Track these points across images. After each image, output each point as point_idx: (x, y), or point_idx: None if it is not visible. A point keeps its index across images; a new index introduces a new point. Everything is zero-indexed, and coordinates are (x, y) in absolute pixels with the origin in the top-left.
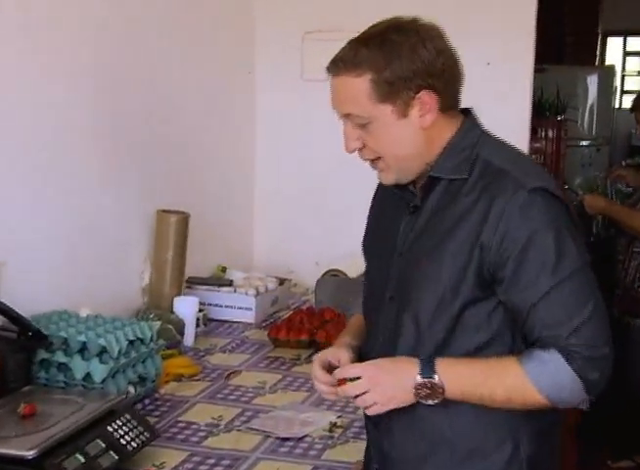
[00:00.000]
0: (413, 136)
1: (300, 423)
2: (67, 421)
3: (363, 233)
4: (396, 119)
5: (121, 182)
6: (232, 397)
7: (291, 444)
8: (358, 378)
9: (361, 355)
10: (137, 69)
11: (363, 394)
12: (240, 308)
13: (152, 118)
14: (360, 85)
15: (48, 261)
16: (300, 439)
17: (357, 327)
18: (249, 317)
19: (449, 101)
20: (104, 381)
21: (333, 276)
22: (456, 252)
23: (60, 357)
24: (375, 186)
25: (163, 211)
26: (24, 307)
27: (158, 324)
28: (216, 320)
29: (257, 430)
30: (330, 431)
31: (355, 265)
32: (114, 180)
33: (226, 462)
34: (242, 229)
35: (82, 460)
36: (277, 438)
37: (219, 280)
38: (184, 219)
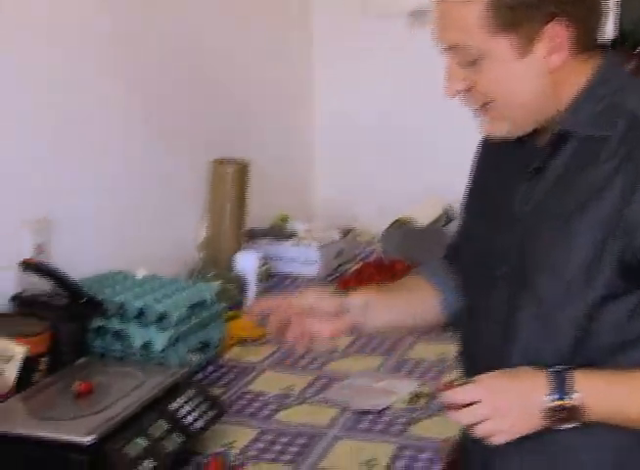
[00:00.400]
0: (536, 79)
1: (378, 393)
2: (126, 400)
3: (464, 193)
4: (516, 56)
5: (174, 132)
6: (302, 362)
7: (370, 418)
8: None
9: (462, 346)
10: (184, 8)
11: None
12: (303, 262)
13: (204, 63)
14: (472, 10)
15: (98, 220)
16: (381, 411)
17: (400, 291)
18: (312, 271)
19: (586, 37)
20: (164, 350)
21: (400, 225)
22: (590, 231)
23: (116, 324)
24: (448, 128)
25: (220, 160)
26: (75, 270)
27: (218, 284)
28: (278, 275)
29: (333, 402)
30: (412, 402)
31: (424, 213)
32: (167, 131)
33: (301, 441)
34: (302, 177)
35: (144, 444)
36: (355, 411)
37: (281, 232)
38: (242, 168)
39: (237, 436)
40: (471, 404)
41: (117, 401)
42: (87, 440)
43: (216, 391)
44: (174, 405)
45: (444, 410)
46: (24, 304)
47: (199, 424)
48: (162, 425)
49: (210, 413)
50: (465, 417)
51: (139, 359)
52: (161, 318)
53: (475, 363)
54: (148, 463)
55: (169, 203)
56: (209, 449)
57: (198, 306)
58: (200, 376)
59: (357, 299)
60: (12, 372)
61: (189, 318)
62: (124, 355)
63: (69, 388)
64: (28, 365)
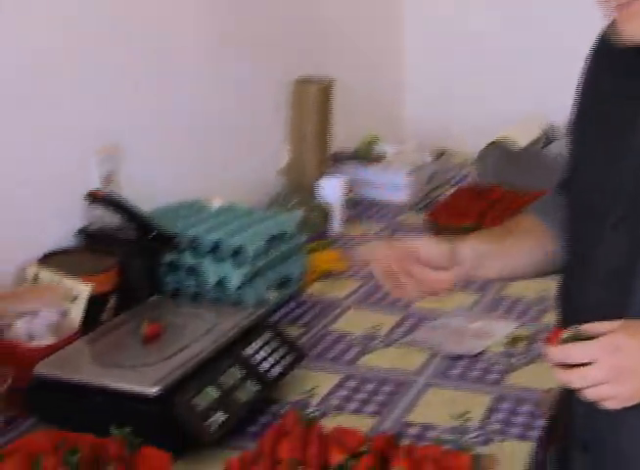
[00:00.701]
0: None
1: (472, 335)
2: (197, 345)
3: (570, 114)
4: None
5: (255, 51)
6: (389, 299)
7: (464, 363)
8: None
9: (565, 294)
10: None
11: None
12: (392, 187)
13: None
14: None
15: (171, 146)
16: (475, 356)
17: (516, 239)
18: (401, 197)
19: None
20: (240, 287)
21: (496, 146)
22: None
23: (189, 260)
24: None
25: (302, 79)
26: (145, 202)
27: (300, 214)
28: (365, 202)
29: (422, 345)
30: (510, 345)
31: (522, 133)
32: (246, 49)
33: (388, 388)
34: (392, 96)
35: (216, 395)
36: (446, 356)
37: (368, 155)
38: (326, 88)
39: (318, 382)
40: (584, 364)
41: (188, 346)
42: (153, 391)
43: (296, 331)
44: (249, 350)
45: (548, 361)
46: (91, 238)
47: (276, 370)
48: (236, 372)
49: (289, 358)
50: (577, 380)
51: (213, 297)
52: (237, 253)
53: (579, 314)
54: (219, 416)
55: (249, 126)
56: (288, 398)
57: (277, 239)
58: (278, 315)
59: (469, 248)
60: (77, 313)
61: (267, 252)
62: (198, 293)
63: (138, 330)
64: (95, 305)
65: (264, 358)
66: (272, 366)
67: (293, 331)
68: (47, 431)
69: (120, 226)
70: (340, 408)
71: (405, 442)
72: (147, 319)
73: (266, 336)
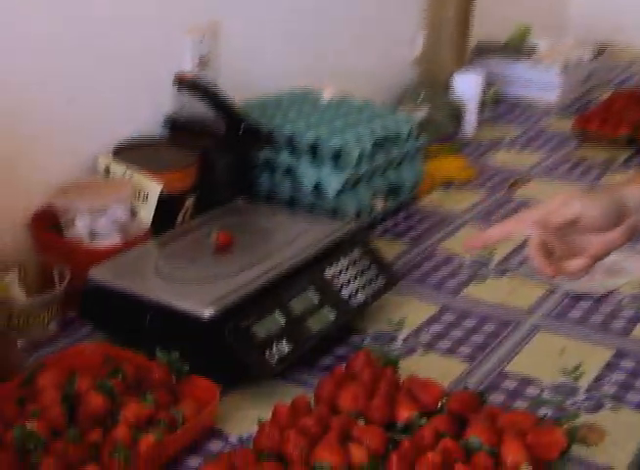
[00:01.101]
0: None
1: (603, 272)
2: (271, 260)
3: None
4: None
5: None
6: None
7: (586, 305)
8: None
9: None
10: None
11: None
12: (541, 86)
13: None
14: None
15: (280, 26)
16: (602, 297)
17: None
18: (551, 98)
19: None
20: (339, 194)
21: None
22: None
23: (285, 159)
24: None
25: None
26: (243, 89)
27: (421, 114)
28: (507, 101)
29: (541, 278)
30: None
31: None
32: None
33: (490, 327)
34: None
35: (282, 321)
36: (566, 293)
37: (517, 49)
38: None
39: (410, 312)
40: None
41: (260, 261)
42: (206, 312)
43: (397, 248)
44: (332, 270)
45: None
46: (174, 129)
47: (360, 297)
48: (312, 297)
49: (378, 282)
50: None
51: (309, 204)
52: (338, 155)
53: None
54: (283, 346)
55: (375, 5)
56: (371, 328)
57: (389, 141)
58: (382, 228)
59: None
60: (147, 213)
61: (375, 156)
62: (294, 198)
63: (209, 237)
64: (170, 205)
65: (348, 281)
66: (356, 291)
67: (394, 248)
68: (98, 343)
69: (209, 117)
70: (429, 346)
71: (496, 398)
72: (218, 227)
73: (355, 254)
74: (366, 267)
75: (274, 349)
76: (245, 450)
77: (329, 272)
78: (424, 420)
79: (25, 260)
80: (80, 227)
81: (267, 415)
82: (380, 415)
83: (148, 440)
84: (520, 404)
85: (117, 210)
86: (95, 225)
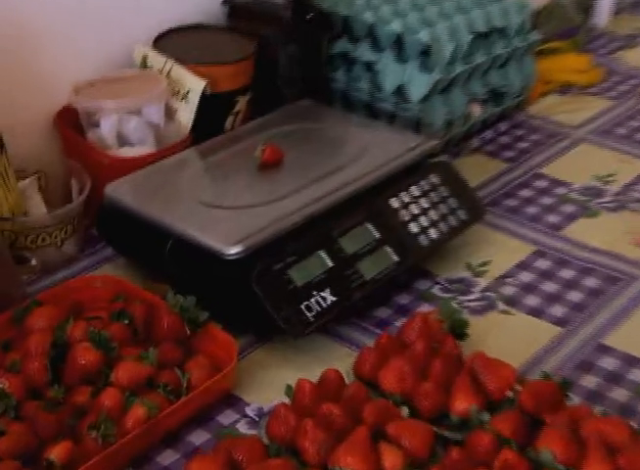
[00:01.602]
0: None
1: None
2: (323, 184)
3: None
4: None
5: None
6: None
7: None
8: None
9: None
10: None
11: None
12: None
13: None
14: None
15: None
16: None
17: None
18: None
19: None
20: (426, 99)
21: None
22: None
23: (364, 54)
24: None
25: None
26: None
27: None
28: None
29: None
30: None
31: None
32: None
33: (593, 282)
34: None
35: (328, 264)
36: None
37: None
38: None
39: (495, 253)
40: None
41: (311, 185)
42: (233, 250)
43: (494, 168)
44: (399, 200)
45: None
46: (231, 14)
47: (433, 233)
48: (369, 232)
49: (459, 215)
50: None
51: (388, 110)
52: (427, 52)
53: None
54: (325, 296)
55: None
56: (443, 272)
57: (495, 35)
58: (477, 141)
59: None
60: (187, 115)
61: (475, 53)
62: (371, 102)
63: (254, 151)
64: (219, 105)
65: (420, 213)
66: (429, 226)
67: (486, 168)
68: (106, 276)
69: (272, 1)
70: (512, 302)
71: (588, 382)
72: (269, 137)
73: (433, 180)
74: (444, 197)
75: (313, 299)
76: (250, 440)
77: (395, 202)
78: (485, 416)
79: (47, 169)
80: (106, 130)
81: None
82: (429, 403)
83: (137, 412)
84: (618, 394)
85: (151, 110)
86: (123, 129)
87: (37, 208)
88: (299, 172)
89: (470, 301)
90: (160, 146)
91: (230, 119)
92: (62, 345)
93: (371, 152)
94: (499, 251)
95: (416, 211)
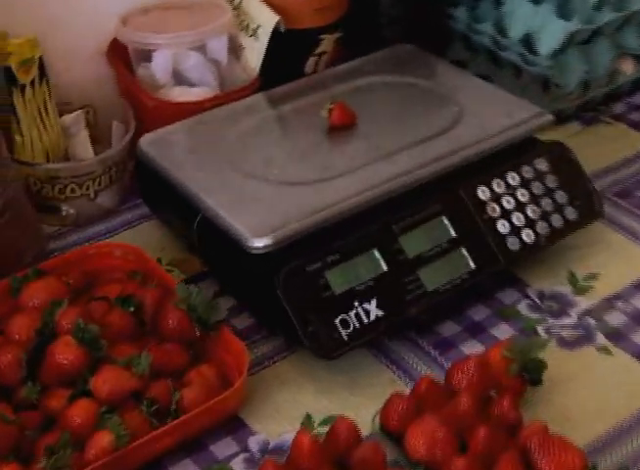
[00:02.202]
0: None
1: None
2: (393, 162)
3: None
4: None
5: None
6: None
7: None
8: None
9: None
10: None
11: None
12: None
13: None
14: None
15: None
16: None
17: None
18: None
19: None
20: (558, 53)
21: None
22: None
23: None
24: None
25: None
26: None
27: None
28: None
29: None
30: None
31: None
32: None
33: None
34: None
35: (380, 268)
36: None
37: None
38: None
39: (607, 263)
40: None
41: (379, 160)
42: (259, 243)
43: (631, 143)
44: (490, 189)
45: None
46: None
47: (528, 235)
48: (445, 228)
49: (566, 214)
50: None
51: (511, 62)
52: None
53: None
54: (368, 308)
55: None
56: (537, 283)
57: None
58: (619, 107)
59: None
60: (255, 54)
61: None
62: (496, 47)
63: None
64: (300, 44)
65: (513, 210)
66: (523, 227)
67: (622, 145)
68: (127, 247)
69: None
70: (614, 338)
71: None
72: (332, 97)
73: (538, 166)
74: (550, 189)
75: (353, 312)
76: None
77: (483, 192)
78: None
79: (99, 106)
80: (158, 67)
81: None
82: None
83: (101, 440)
84: None
85: (215, 46)
86: (181, 66)
87: (83, 148)
88: (371, 142)
89: (562, 326)
90: (221, 89)
91: (312, 61)
92: (48, 333)
93: (465, 123)
94: (615, 260)
95: (509, 206)
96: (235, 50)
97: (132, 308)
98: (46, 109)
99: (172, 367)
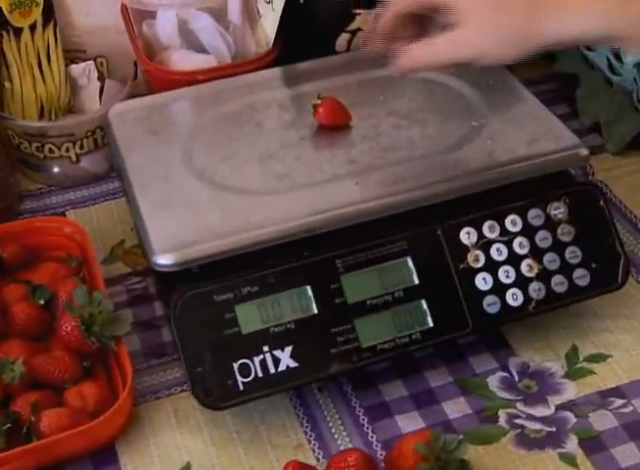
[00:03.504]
0: None
1: None
2: (369, 179)
3: None
4: None
5: None
6: None
7: None
8: None
9: None
10: None
11: None
12: None
13: None
14: None
15: None
16: None
17: None
18: None
19: None
20: None
21: None
22: None
23: None
24: None
25: None
26: None
27: None
28: None
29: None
30: None
31: None
32: None
33: None
34: None
35: (297, 314)
36: None
37: None
38: None
39: (623, 342)
40: None
41: (359, 174)
42: (160, 260)
43: None
44: (479, 231)
45: None
46: None
47: (516, 297)
48: (407, 271)
49: (577, 277)
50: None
51: (600, 65)
52: None
53: None
54: (279, 357)
55: None
56: (526, 349)
57: None
58: None
59: None
60: (270, 23)
61: None
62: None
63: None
64: (333, 16)
65: (503, 262)
66: (511, 285)
67: None
68: (77, 227)
69: None
70: (591, 449)
71: None
72: (336, 88)
73: (553, 211)
74: (562, 243)
75: (259, 357)
76: None
77: (468, 234)
78: None
79: (114, 59)
80: (162, 26)
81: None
82: None
83: None
84: None
85: (230, 11)
86: (188, 26)
87: (91, 101)
88: (353, 151)
89: (530, 418)
90: (229, 58)
91: (343, 39)
92: None
93: (477, 143)
94: (635, 341)
95: (498, 257)
96: (251, 18)
97: (42, 301)
98: (48, 56)
99: (57, 379)
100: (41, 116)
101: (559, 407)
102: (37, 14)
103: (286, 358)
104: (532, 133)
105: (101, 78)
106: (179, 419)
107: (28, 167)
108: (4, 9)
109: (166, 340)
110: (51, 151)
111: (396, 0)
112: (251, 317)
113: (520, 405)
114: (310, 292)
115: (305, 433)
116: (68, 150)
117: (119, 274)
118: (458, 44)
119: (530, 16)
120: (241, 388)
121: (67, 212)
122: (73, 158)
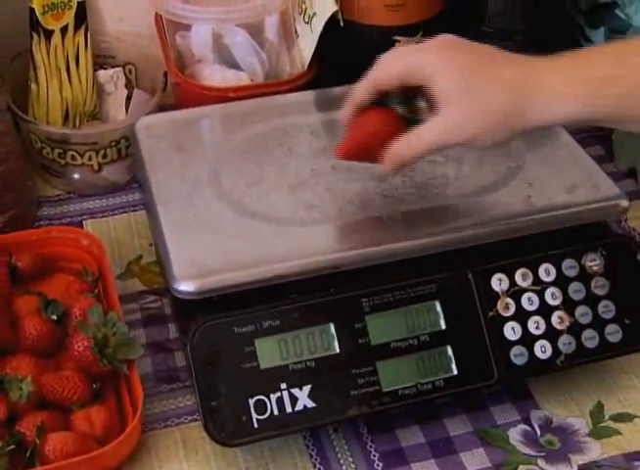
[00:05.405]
0: None
1: None
2: (404, 220)
3: None
4: None
5: None
6: None
7: None
8: None
9: None
10: None
11: None
12: None
13: None
14: None
15: None
16: None
17: None
18: None
19: None
20: None
21: None
22: None
23: None
24: None
25: None
26: None
27: None
28: None
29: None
30: None
31: None
32: None
33: None
34: None
35: (319, 352)
36: None
37: None
38: None
39: None
40: None
41: (383, 210)
42: (181, 287)
43: None
44: (511, 279)
45: None
46: None
47: (544, 350)
48: (435, 316)
49: (608, 333)
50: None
51: None
52: None
53: None
54: (297, 395)
55: None
56: (550, 404)
57: None
58: None
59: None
60: (308, 44)
61: None
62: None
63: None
64: (372, 41)
65: (533, 312)
66: (540, 337)
67: None
68: (95, 240)
69: None
70: None
71: None
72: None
73: (589, 263)
74: (595, 297)
75: (275, 394)
76: None
77: (500, 281)
78: None
79: (145, 67)
80: (196, 39)
81: None
82: None
83: None
84: None
85: (266, 26)
86: (225, 41)
87: (117, 109)
88: (391, 184)
89: None
90: (263, 77)
91: None
92: None
93: (513, 186)
94: None
95: (529, 307)
96: (288, 37)
97: (54, 317)
98: (77, 60)
99: (66, 399)
100: (65, 120)
101: (582, 468)
102: (70, 17)
103: (304, 398)
104: (571, 179)
105: (128, 86)
106: (188, 450)
107: (49, 173)
108: (37, 11)
109: (179, 364)
110: (73, 158)
111: (380, 70)
112: (270, 352)
113: (541, 462)
114: (333, 330)
115: None
116: (90, 158)
117: (134, 291)
118: (444, 131)
119: (514, 102)
120: (255, 425)
121: (84, 222)
122: (95, 166)
